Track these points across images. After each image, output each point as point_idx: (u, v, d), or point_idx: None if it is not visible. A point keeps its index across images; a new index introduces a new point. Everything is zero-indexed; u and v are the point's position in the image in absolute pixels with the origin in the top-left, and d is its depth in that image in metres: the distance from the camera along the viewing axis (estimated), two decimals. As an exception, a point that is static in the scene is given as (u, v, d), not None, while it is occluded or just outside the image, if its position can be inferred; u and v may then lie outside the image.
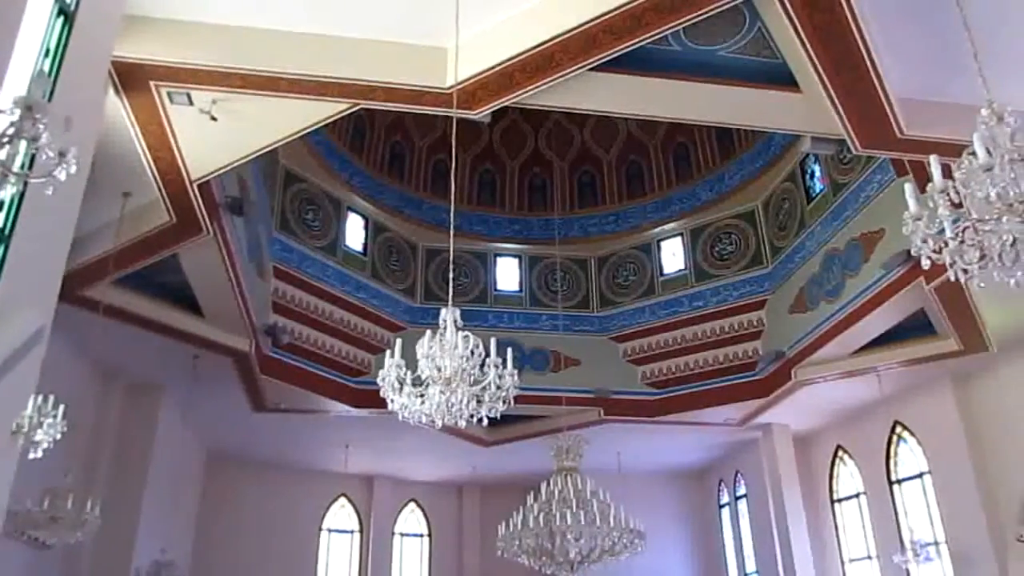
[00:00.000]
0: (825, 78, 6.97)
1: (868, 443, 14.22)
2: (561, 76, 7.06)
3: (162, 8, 6.64)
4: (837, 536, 14.99)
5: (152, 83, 7.00)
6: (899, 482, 13.59)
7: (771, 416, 14.31)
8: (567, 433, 11.31)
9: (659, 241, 15.08)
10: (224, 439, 15.39)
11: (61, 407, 6.74)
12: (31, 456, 6.38)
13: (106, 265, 8.73)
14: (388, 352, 5.05)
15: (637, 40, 6.67)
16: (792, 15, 6.34)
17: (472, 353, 4.85)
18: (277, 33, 6.95)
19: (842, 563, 14.80)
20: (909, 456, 13.45)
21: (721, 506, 17.94)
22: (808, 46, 6.64)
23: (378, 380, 5.03)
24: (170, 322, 10.49)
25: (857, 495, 14.65)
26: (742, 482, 16.80)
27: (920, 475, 13.09)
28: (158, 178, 8.08)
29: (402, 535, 18.24)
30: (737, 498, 17.09)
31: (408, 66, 7.17)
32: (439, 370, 4.79)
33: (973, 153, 3.62)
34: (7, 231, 4.83)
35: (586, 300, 15.31)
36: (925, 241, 3.69)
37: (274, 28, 6.93)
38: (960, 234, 3.58)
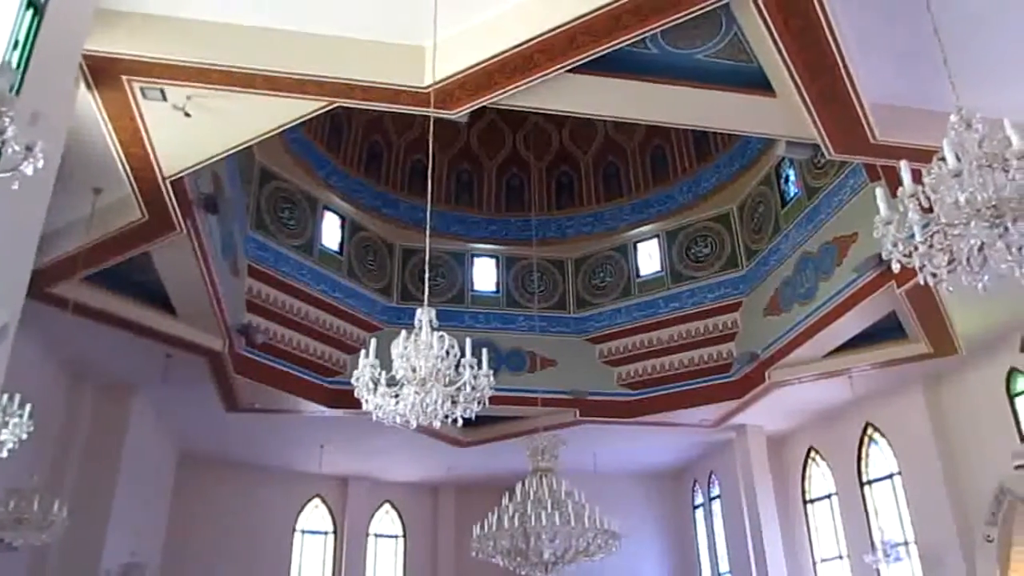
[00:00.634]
0: (799, 83, 7.05)
1: (840, 444, 14.40)
2: (540, 77, 7.07)
3: (136, 2, 6.53)
4: (809, 536, 15.15)
5: (124, 78, 6.88)
6: (870, 483, 13.77)
7: (745, 417, 14.44)
8: (543, 434, 11.30)
9: (636, 243, 15.14)
10: (197, 439, 15.20)
11: (28, 406, 6.62)
12: (-4, 456, 6.27)
13: (76, 262, 8.57)
14: (363, 352, 5.02)
15: (616, 42, 6.70)
16: (767, 19, 6.40)
17: (447, 353, 4.83)
18: (254, 29, 6.87)
19: (814, 563, 14.96)
20: (880, 457, 13.64)
21: (695, 507, 18.06)
22: (783, 50, 6.71)
23: (352, 380, 5.00)
24: (142, 321, 10.32)
25: (829, 496, 14.83)
26: (716, 483, 16.92)
27: (890, 476, 13.28)
28: (130, 174, 7.95)
29: (377, 536, 18.13)
30: (711, 499, 17.21)
31: (386, 65, 7.12)
32: (414, 370, 4.77)
33: (943, 159, 3.67)
34: (-28, 226, 4.74)
35: (563, 301, 15.34)
36: (896, 245, 3.74)
37: (251, 24, 6.85)
38: (929, 238, 3.63)
